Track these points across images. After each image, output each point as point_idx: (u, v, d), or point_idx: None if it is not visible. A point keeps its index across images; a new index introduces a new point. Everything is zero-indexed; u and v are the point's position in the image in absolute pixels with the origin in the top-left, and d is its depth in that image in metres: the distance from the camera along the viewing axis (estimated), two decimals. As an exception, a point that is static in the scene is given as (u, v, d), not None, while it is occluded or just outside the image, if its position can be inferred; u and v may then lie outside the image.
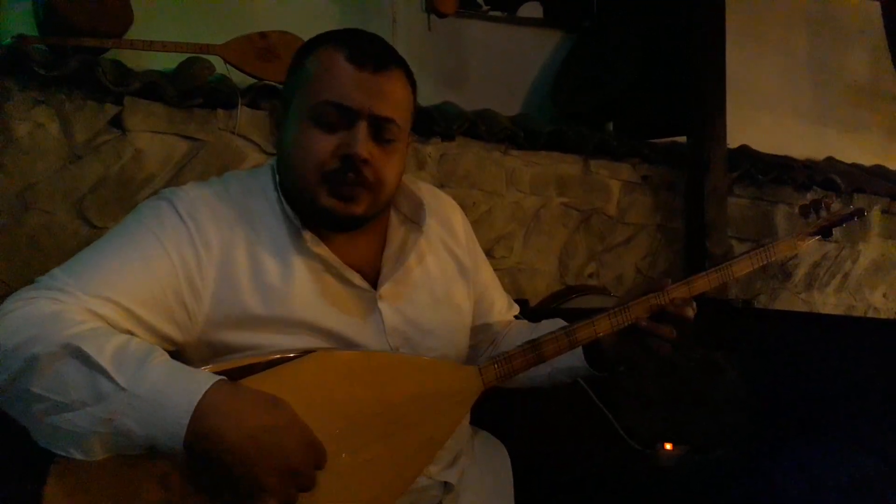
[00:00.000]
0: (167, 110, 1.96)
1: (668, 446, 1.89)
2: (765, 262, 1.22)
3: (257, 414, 0.90)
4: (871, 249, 3.56)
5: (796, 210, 1.35)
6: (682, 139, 2.86)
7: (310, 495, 0.94)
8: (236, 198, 1.09)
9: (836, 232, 1.29)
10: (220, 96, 2.02)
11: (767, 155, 3.17)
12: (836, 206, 1.29)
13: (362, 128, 1.04)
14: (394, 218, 1.20)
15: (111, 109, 1.90)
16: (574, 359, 1.20)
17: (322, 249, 1.09)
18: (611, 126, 2.98)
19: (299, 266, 1.08)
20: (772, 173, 3.11)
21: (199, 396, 0.88)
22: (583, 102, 2.83)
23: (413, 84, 1.14)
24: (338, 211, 1.06)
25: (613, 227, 2.75)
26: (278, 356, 1.00)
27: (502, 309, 1.37)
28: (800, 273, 3.33)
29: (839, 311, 3.43)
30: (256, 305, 1.04)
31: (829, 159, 3.54)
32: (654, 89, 2.80)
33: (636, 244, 2.82)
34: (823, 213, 1.28)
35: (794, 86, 3.65)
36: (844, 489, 1.62)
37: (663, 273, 2.87)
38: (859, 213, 1.31)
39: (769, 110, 3.46)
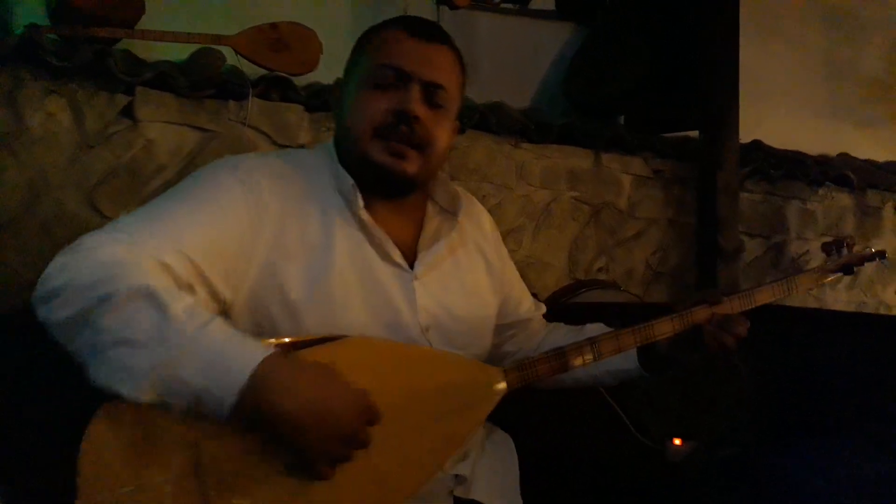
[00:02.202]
0: (178, 101, 1.96)
1: (678, 442, 1.88)
2: (786, 294, 1.29)
3: (312, 385, 0.94)
4: (883, 246, 3.50)
5: (819, 246, 1.46)
6: (694, 133, 2.84)
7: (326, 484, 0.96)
8: (293, 169, 1.15)
9: (857, 270, 1.36)
10: (231, 87, 2.01)
11: (780, 150, 3.15)
12: (857, 246, 1.37)
13: (415, 89, 1.12)
14: (430, 207, 1.25)
15: (122, 100, 1.90)
16: (625, 361, 1.27)
17: (368, 217, 1.14)
18: (622, 120, 2.96)
19: (343, 237, 1.13)
20: (784, 168, 3.09)
21: (259, 360, 0.91)
22: (594, 96, 2.81)
23: (463, 68, 1.22)
24: (389, 167, 1.12)
25: (624, 221, 2.74)
26: (310, 337, 1.04)
27: (529, 308, 1.41)
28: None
29: (850, 309, 3.41)
30: (299, 275, 1.09)
31: (843, 155, 3.51)
32: (667, 83, 2.77)
33: (647, 239, 2.80)
34: (845, 252, 1.35)
35: (808, 80, 3.61)
36: (857, 488, 1.61)
37: (674, 268, 2.86)
38: (880, 254, 1.41)
39: (782, 105, 3.42)
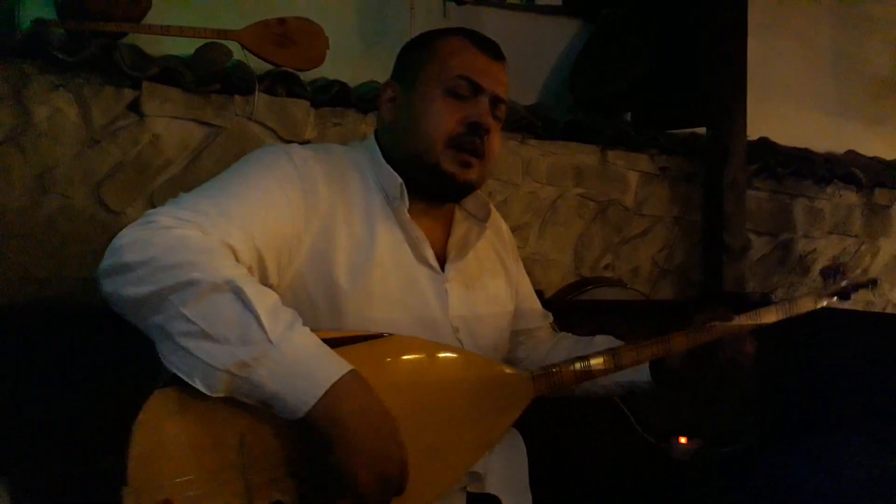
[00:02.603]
0: (184, 96, 1.96)
1: (683, 440, 1.88)
2: (788, 315, 1.34)
3: (378, 418, 0.95)
4: (890, 245, 3.51)
5: (817, 272, 1.54)
6: (701, 130, 2.82)
7: None
8: (338, 163, 1.18)
9: (852, 296, 1.44)
10: (237, 82, 2.01)
11: (787, 147, 3.13)
12: (852, 274, 1.46)
13: (485, 102, 1.19)
14: (458, 213, 1.29)
15: (129, 94, 1.90)
16: (637, 374, 1.29)
17: (408, 220, 1.17)
18: (629, 116, 2.95)
19: (383, 235, 1.15)
20: (791, 166, 3.08)
21: (338, 377, 0.93)
22: (601, 92, 2.80)
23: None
24: (458, 176, 1.17)
25: (630, 218, 2.73)
26: (352, 334, 1.05)
27: (539, 317, 1.44)
28: (818, 268, 3.29)
29: (857, 307, 3.39)
30: (342, 265, 1.11)
31: (850, 152, 3.49)
32: (674, 79, 2.76)
33: (653, 236, 2.80)
34: (840, 278, 1.42)
35: (816, 77, 3.59)
36: (862, 485, 1.60)
37: (681, 266, 2.85)
38: (872, 282, 1.48)
39: (790, 102, 3.41)
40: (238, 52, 2.04)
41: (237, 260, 0.99)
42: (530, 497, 1.27)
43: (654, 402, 1.94)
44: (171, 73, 1.92)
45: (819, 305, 1.39)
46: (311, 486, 0.97)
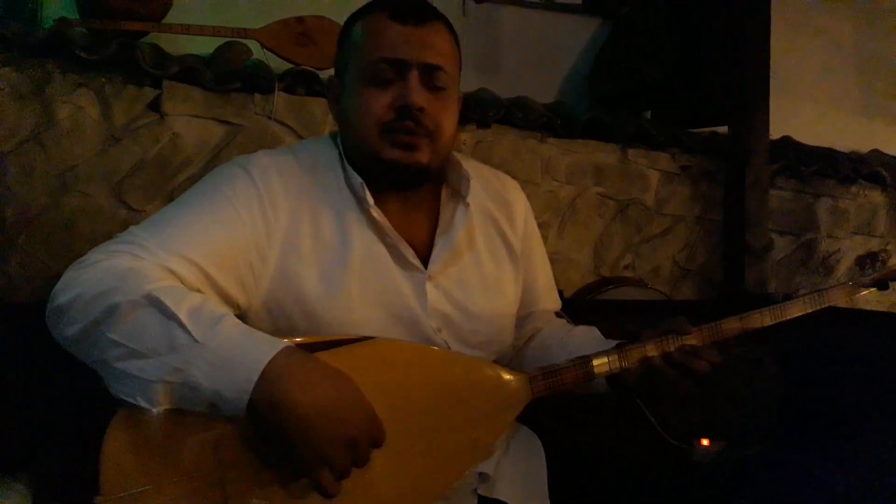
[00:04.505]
0: (204, 94, 1.97)
1: (705, 442, 1.86)
2: (819, 307, 1.24)
3: (325, 384, 0.92)
4: (916, 245, 3.46)
5: (853, 260, 1.42)
6: (723, 129, 2.79)
7: (356, 481, 0.94)
8: (305, 167, 1.13)
9: (892, 286, 1.34)
10: (257, 81, 2.02)
11: (811, 146, 3.09)
12: (893, 260, 1.31)
13: (414, 77, 1.09)
14: (444, 195, 1.21)
15: (150, 93, 1.91)
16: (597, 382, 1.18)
17: (379, 215, 1.11)
18: (649, 115, 2.93)
19: (356, 235, 1.10)
20: (815, 165, 3.03)
21: (271, 357, 0.90)
22: (621, 90, 2.78)
23: (455, 37, 1.17)
24: (402, 161, 1.09)
25: (651, 217, 2.71)
26: (334, 338, 1.02)
27: (547, 305, 1.36)
28: (842, 268, 3.24)
29: (881, 309, 3.34)
30: (314, 273, 1.07)
31: (875, 151, 3.43)
32: (695, 77, 2.73)
33: (674, 236, 2.77)
34: (879, 266, 1.29)
35: (840, 75, 3.54)
36: (877, 487, 1.57)
37: (702, 266, 2.82)
38: None
39: (813, 100, 3.36)
40: (258, 51, 2.05)
41: (182, 282, 0.97)
42: (548, 503, 1.22)
43: (674, 403, 1.92)
44: (191, 71, 1.92)
45: (856, 294, 1.31)
46: (290, 485, 0.95)
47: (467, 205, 1.18)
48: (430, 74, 1.10)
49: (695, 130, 2.80)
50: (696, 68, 2.72)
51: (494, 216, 1.26)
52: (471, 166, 1.23)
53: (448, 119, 1.13)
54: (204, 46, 2.05)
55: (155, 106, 1.92)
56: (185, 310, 0.91)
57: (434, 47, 1.10)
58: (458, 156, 1.22)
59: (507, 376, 1.10)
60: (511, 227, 1.27)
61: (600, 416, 1.78)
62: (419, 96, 1.08)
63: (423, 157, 1.10)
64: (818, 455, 1.78)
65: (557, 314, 1.39)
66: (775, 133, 2.84)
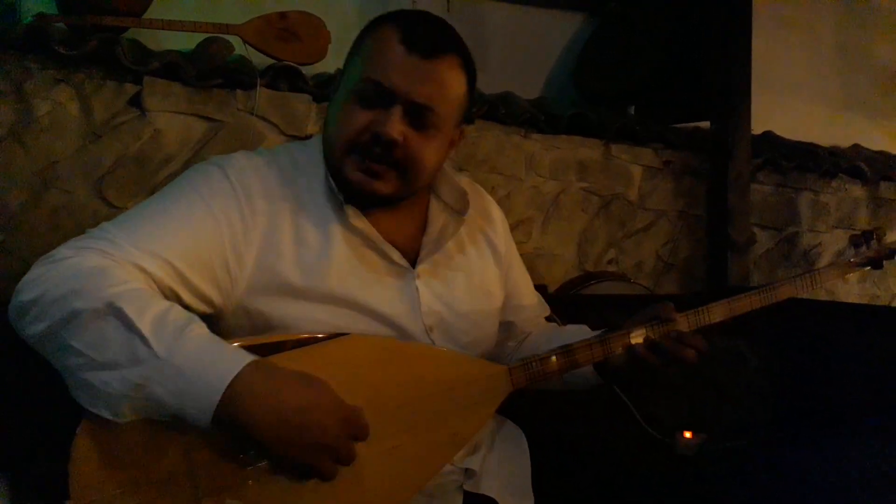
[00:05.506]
0: (186, 90, 1.95)
1: (688, 435, 1.87)
2: (811, 289, 1.22)
3: (291, 395, 0.90)
4: (896, 239, 3.49)
5: (847, 241, 1.38)
6: (706, 124, 2.81)
7: (343, 474, 0.94)
8: (285, 169, 1.11)
9: (885, 264, 1.30)
10: (239, 77, 2.00)
11: (792, 141, 3.12)
12: (887, 238, 1.31)
13: (397, 111, 1.04)
14: (434, 203, 1.21)
15: (130, 89, 1.90)
16: (585, 370, 1.19)
17: (362, 223, 1.10)
18: (633, 110, 2.94)
19: (339, 239, 1.09)
20: (796, 160, 3.06)
21: (233, 376, 0.88)
22: (605, 86, 2.79)
23: (470, 72, 1.12)
24: (362, 185, 1.07)
25: (634, 213, 2.72)
26: (309, 335, 1.01)
27: (533, 309, 1.37)
28: (823, 262, 3.28)
29: (862, 302, 3.38)
30: (295, 275, 1.05)
31: (856, 146, 3.47)
32: (678, 73, 2.75)
33: (657, 231, 2.78)
34: (874, 244, 1.28)
35: (821, 71, 3.57)
36: (870, 483, 1.59)
37: (685, 260, 2.84)
38: None
39: (794, 96, 3.39)
40: (239, 47, 2.04)
41: (153, 282, 0.96)
42: (532, 499, 1.22)
43: (656, 395, 1.93)
44: (172, 67, 1.91)
45: (849, 274, 1.28)
46: (264, 485, 0.95)
47: (463, 222, 1.19)
48: (416, 113, 1.05)
49: (678, 126, 2.82)
50: (680, 64, 2.74)
51: (481, 225, 1.27)
52: (456, 179, 1.25)
53: (429, 156, 1.09)
54: (185, 42, 2.04)
55: (136, 102, 1.90)
56: (147, 320, 0.88)
57: (432, 85, 1.05)
58: (447, 168, 1.22)
59: (485, 368, 1.10)
60: (494, 232, 1.29)
61: (585, 409, 1.79)
62: (395, 129, 1.04)
63: (386, 187, 1.07)
64: (813, 453, 1.80)
65: (548, 318, 1.41)
66: (757, 128, 2.87)
